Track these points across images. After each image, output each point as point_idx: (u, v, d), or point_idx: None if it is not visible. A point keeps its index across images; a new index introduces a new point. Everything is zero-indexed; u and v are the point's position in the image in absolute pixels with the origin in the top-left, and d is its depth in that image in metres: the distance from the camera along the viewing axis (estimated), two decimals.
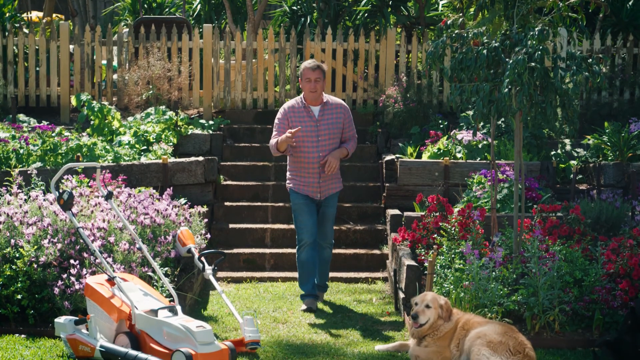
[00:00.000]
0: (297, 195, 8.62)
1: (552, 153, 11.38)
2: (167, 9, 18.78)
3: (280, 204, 11.22)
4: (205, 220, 9.59)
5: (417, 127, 12.35)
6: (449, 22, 8.08)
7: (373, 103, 13.46)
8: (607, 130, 11.33)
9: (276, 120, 8.67)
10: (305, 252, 8.60)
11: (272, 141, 8.58)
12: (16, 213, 7.79)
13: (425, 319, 6.85)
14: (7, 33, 13.41)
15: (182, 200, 9.78)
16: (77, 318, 6.80)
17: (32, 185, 9.09)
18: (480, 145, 11.11)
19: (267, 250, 10.61)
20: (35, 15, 18.20)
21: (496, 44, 7.72)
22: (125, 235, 7.86)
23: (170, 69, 13.21)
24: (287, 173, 8.74)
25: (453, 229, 8.62)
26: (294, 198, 8.66)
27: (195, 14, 17.98)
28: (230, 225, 10.97)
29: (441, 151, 11.18)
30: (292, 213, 8.85)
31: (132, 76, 13.12)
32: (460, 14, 11.64)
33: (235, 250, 10.52)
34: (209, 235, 9.01)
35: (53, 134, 11.08)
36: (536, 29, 7.54)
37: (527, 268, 7.61)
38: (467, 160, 10.91)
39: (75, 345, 6.64)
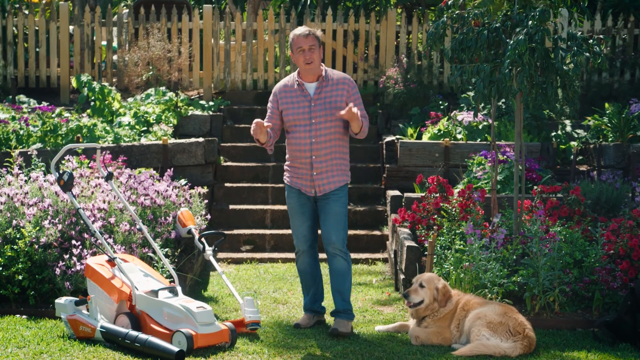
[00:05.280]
0: (291, 192, 7.26)
1: (553, 134, 11.37)
2: None
3: (281, 185, 11.21)
4: (206, 201, 9.59)
5: (417, 108, 12.34)
6: (449, 2, 8.04)
7: (373, 84, 13.45)
8: (607, 111, 11.31)
9: (268, 104, 7.35)
10: (301, 260, 7.37)
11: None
12: (17, 194, 7.78)
13: (418, 299, 6.83)
14: (6, 14, 13.37)
15: (182, 181, 9.78)
16: (77, 299, 6.80)
17: (33, 166, 9.09)
18: (480, 126, 11.10)
19: (268, 231, 10.62)
20: None
21: (497, 25, 7.69)
22: (125, 216, 7.86)
23: (170, 50, 13.19)
24: (285, 163, 7.39)
25: (453, 210, 8.62)
26: (287, 195, 7.33)
27: None
28: (231, 206, 10.98)
29: (441, 132, 11.18)
30: None
31: (132, 57, 13.10)
32: None
33: (235, 231, 10.53)
34: (209, 216, 9.00)
35: (53, 115, 11.07)
36: (537, 9, 7.51)
37: (527, 249, 7.61)
38: (468, 141, 10.90)
39: (76, 325, 6.65)
